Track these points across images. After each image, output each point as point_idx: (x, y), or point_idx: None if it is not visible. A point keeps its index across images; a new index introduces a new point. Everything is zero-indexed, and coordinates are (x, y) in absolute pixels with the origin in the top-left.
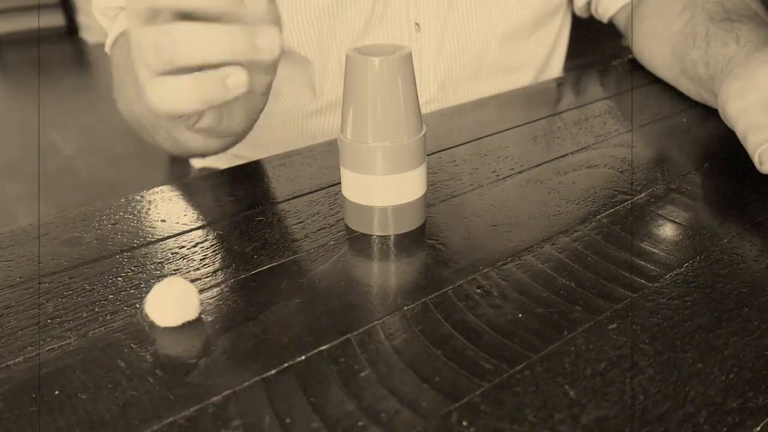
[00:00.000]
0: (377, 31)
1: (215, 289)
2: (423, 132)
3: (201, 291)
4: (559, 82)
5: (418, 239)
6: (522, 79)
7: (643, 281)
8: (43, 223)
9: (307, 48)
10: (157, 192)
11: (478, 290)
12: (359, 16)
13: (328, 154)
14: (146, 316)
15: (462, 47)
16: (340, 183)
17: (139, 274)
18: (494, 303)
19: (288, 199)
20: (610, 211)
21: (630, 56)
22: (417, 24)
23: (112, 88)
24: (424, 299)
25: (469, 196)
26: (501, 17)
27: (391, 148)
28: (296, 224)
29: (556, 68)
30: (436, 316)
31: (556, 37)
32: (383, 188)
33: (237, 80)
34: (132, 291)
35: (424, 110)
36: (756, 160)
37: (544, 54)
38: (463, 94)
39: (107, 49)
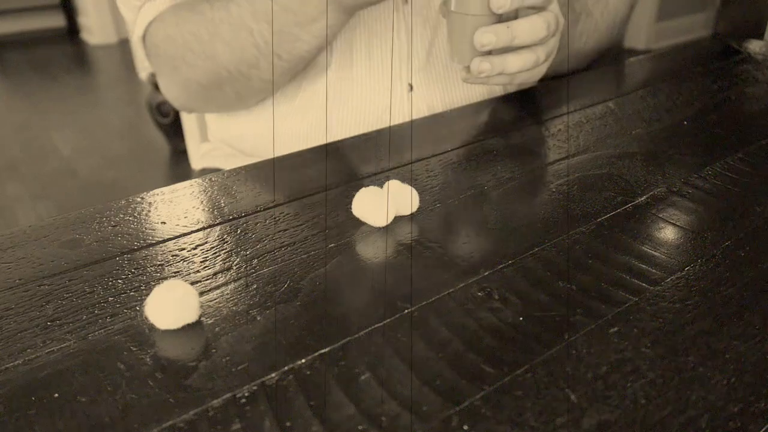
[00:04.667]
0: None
1: (215, 292)
2: None
3: (201, 293)
4: (560, 84)
5: (419, 242)
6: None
7: (644, 285)
8: (42, 225)
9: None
10: (157, 194)
11: (479, 293)
12: None
13: (328, 156)
14: (146, 318)
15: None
16: (340, 186)
17: (139, 277)
18: (494, 306)
19: (288, 201)
20: (611, 214)
21: (630, 59)
22: None
23: (160, 71)
24: (424, 302)
25: (469, 198)
26: None
27: None
28: (297, 227)
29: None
30: (436, 320)
31: None
32: None
33: None
34: (132, 293)
35: (414, 79)
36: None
37: None
38: (450, 63)
39: (137, 39)
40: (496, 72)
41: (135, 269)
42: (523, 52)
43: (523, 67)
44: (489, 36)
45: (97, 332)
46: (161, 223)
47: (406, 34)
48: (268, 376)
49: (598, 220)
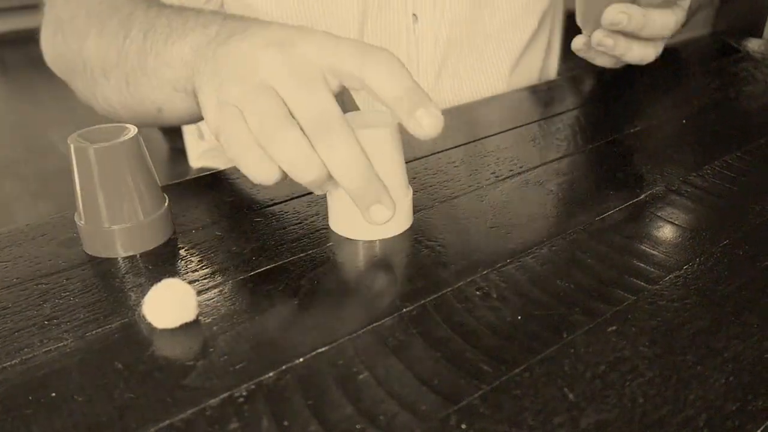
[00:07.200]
0: (376, 23)
1: (213, 291)
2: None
3: (199, 293)
4: (559, 83)
5: (418, 241)
6: (520, 74)
7: (642, 283)
8: (40, 224)
9: None
10: None
11: (477, 292)
12: (355, 8)
13: None
14: (144, 317)
15: (458, 37)
16: None
17: (137, 276)
18: (493, 305)
19: (287, 200)
20: (610, 212)
21: None
22: (414, 15)
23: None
24: (422, 301)
25: (468, 197)
26: (492, 8)
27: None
28: (295, 225)
29: (552, 67)
30: (434, 318)
31: (550, 33)
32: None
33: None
34: (129, 293)
35: None
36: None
37: (540, 49)
38: (460, 84)
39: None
40: (615, 53)
41: (133, 268)
42: (649, 45)
43: (641, 61)
44: (621, 16)
45: (94, 331)
46: None
47: (417, 54)
48: (266, 375)
49: (597, 218)
